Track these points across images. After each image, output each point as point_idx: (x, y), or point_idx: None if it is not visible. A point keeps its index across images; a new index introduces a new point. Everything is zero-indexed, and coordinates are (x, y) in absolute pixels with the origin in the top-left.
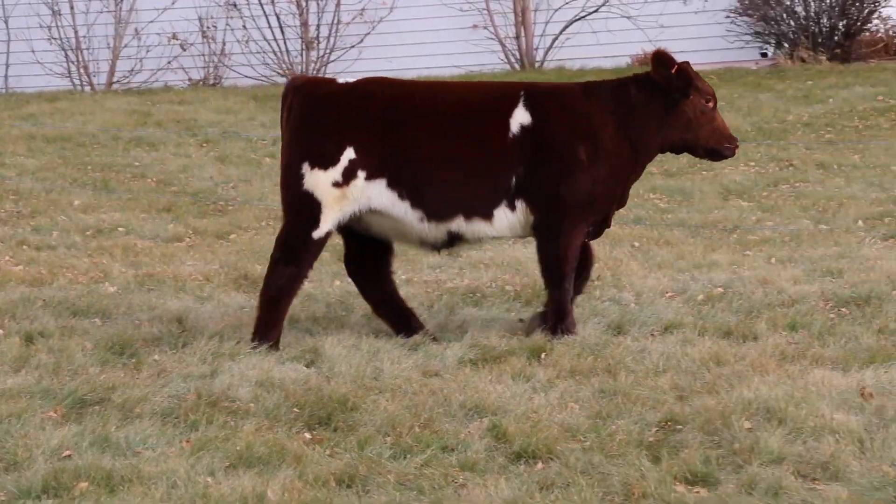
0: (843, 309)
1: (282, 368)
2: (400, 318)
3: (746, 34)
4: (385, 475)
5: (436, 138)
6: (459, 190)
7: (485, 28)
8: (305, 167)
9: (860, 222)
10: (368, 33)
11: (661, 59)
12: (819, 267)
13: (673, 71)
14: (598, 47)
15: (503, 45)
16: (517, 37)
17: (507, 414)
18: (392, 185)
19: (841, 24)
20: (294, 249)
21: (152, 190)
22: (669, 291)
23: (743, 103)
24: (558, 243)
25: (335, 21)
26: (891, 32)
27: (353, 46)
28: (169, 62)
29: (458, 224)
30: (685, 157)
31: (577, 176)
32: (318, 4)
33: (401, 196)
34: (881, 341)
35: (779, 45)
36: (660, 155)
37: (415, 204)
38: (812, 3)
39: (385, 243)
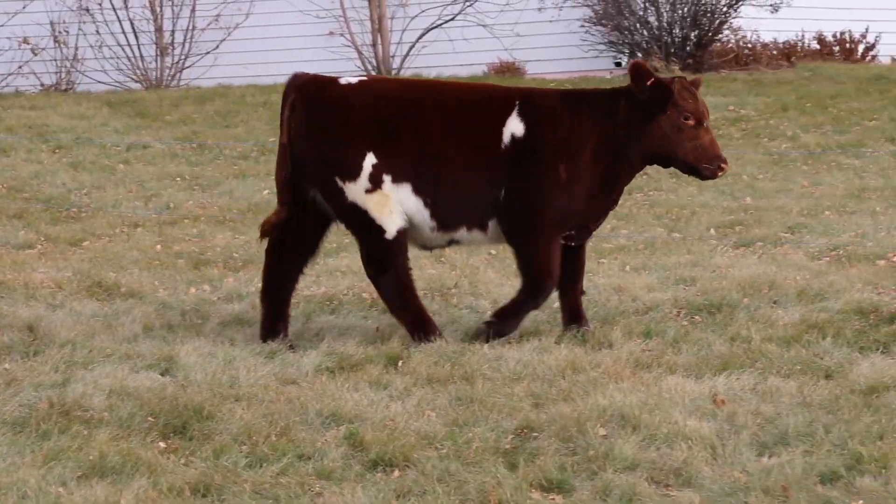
0: (696, 316)
1: (136, 377)
2: (274, 317)
3: (601, 43)
4: (241, 484)
5: (448, 146)
6: (467, 200)
7: (341, 35)
8: (338, 182)
9: (712, 230)
10: (224, 39)
11: (638, 72)
12: (672, 275)
13: (648, 84)
14: (455, 55)
15: (360, 53)
16: (374, 44)
17: (364, 422)
18: (417, 191)
19: (693, 34)
20: (380, 261)
21: (3, 196)
22: None
23: None
24: (540, 259)
25: (190, 27)
26: (741, 43)
27: (208, 52)
28: (20, 67)
29: (461, 234)
30: None
31: (554, 193)
32: (172, 10)
33: (425, 204)
34: (733, 348)
35: (632, 55)
36: None
37: (433, 214)
38: (665, 14)
39: (317, 245)
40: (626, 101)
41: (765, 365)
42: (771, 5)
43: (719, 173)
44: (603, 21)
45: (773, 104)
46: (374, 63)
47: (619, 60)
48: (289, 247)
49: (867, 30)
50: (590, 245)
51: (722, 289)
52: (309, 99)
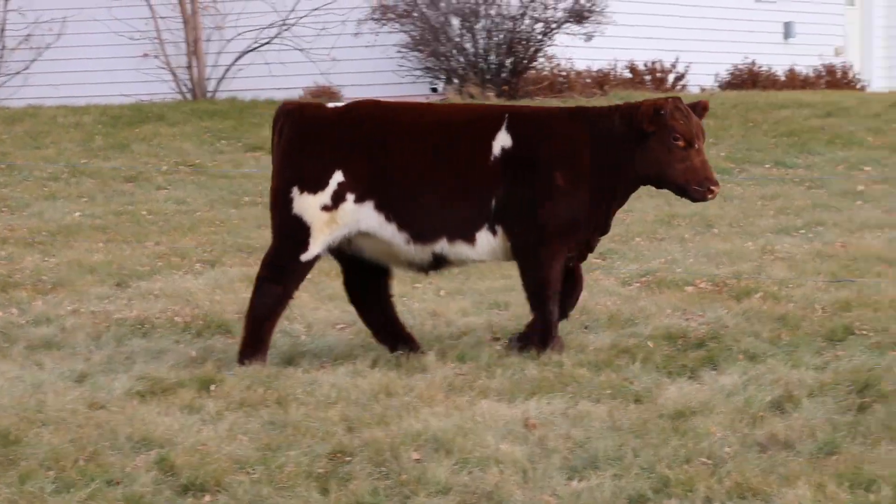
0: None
1: None
2: (394, 337)
3: (417, 69)
4: None
5: (421, 160)
6: (443, 212)
7: (156, 57)
8: (295, 191)
9: None
10: (35, 60)
11: (657, 108)
12: (486, 299)
13: (662, 111)
14: (272, 79)
15: (174, 75)
16: (189, 66)
17: (175, 446)
18: (380, 207)
19: (508, 61)
20: (281, 270)
21: None
22: (340, 323)
23: None
24: (540, 269)
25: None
26: (556, 71)
27: (18, 73)
28: None
29: (442, 246)
30: None
31: (555, 201)
32: None
33: (388, 218)
34: (544, 373)
35: (449, 81)
36: None
37: (401, 226)
38: (480, 41)
39: (383, 267)
40: (620, 119)
41: (576, 389)
42: (584, 34)
43: (710, 196)
44: (419, 47)
45: None
46: (190, 85)
47: (435, 86)
48: (361, 277)
49: (677, 59)
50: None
51: None
52: (294, 122)
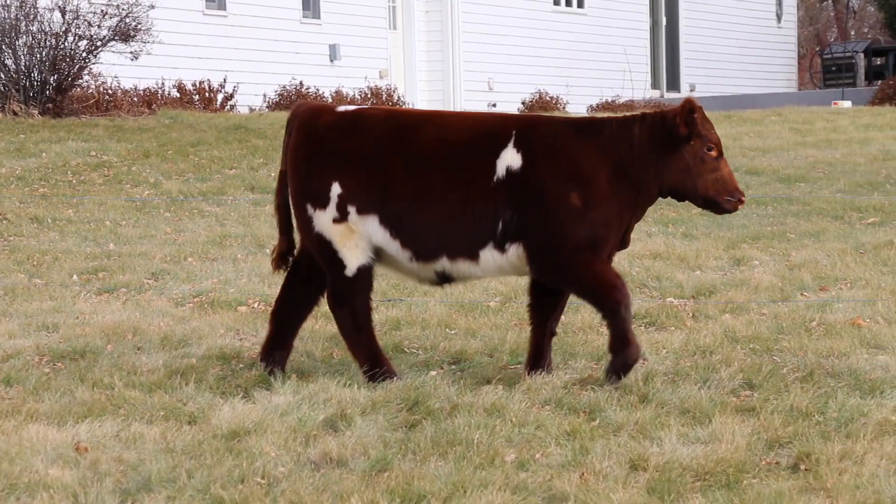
0: (59, 363)
1: None
2: (274, 343)
3: None
4: None
5: (422, 176)
6: (446, 231)
7: None
8: (310, 209)
9: (75, 277)
10: None
11: (692, 106)
12: (34, 321)
13: (695, 115)
14: None
15: None
16: None
17: None
18: (384, 222)
19: (52, 78)
20: (338, 296)
21: None
22: None
23: None
24: (589, 282)
25: None
26: (101, 89)
27: None
28: None
29: (444, 264)
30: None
31: (571, 223)
32: None
33: (392, 234)
34: (96, 395)
35: None
36: None
37: (404, 244)
38: (22, 57)
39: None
40: (643, 129)
41: (128, 411)
42: (130, 52)
43: (740, 206)
44: None
45: (134, 150)
46: None
47: None
48: (303, 276)
49: (225, 80)
50: None
51: (85, 335)
52: (301, 125)
